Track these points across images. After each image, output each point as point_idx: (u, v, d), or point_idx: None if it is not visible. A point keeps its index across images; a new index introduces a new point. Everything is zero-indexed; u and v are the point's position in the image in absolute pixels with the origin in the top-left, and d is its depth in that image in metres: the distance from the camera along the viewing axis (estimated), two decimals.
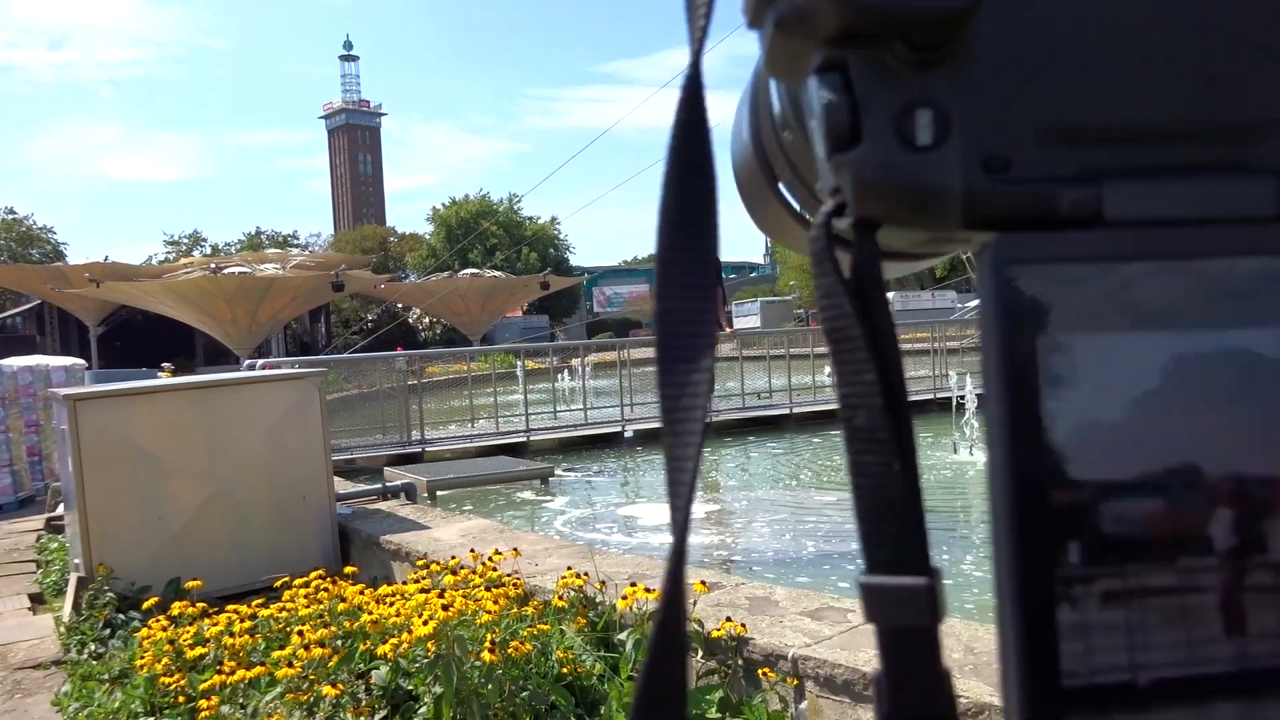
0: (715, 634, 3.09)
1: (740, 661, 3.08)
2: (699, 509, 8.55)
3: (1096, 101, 0.25)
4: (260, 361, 8.98)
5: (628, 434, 12.27)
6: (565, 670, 3.25)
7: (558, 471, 9.82)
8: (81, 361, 11.46)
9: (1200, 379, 0.23)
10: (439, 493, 8.51)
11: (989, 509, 0.24)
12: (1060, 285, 0.23)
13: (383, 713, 3.20)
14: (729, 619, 3.10)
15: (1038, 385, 0.23)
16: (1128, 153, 0.25)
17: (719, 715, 2.94)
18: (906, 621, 0.26)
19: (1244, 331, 0.23)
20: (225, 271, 31.39)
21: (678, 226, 0.27)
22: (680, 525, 0.26)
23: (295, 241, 68.74)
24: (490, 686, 2.97)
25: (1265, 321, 0.23)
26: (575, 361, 15.87)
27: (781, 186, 0.35)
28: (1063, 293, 0.23)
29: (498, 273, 43.04)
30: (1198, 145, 0.25)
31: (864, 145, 0.25)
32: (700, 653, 3.19)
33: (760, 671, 2.97)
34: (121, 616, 4.66)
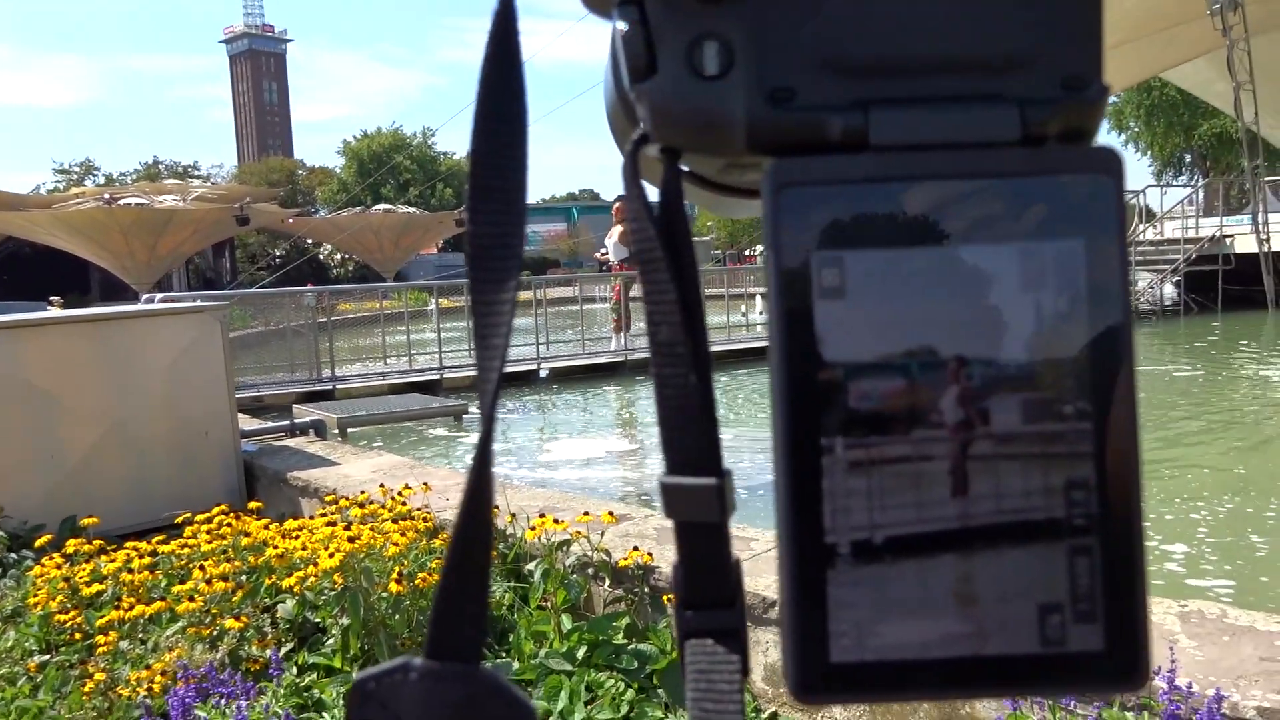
0: (623, 563, 3.15)
1: (647, 589, 3.16)
2: (612, 444, 8.62)
3: (866, 36, 0.27)
4: (159, 296, 8.64)
5: (542, 373, 12.26)
6: None
7: (472, 409, 9.77)
8: None
9: (946, 285, 0.26)
10: (350, 430, 8.39)
11: (770, 398, 0.26)
12: (830, 204, 0.26)
13: (289, 645, 3.19)
14: (636, 549, 3.16)
15: (809, 290, 0.26)
16: (893, 83, 0.27)
17: (625, 640, 3.01)
18: (699, 517, 0.29)
19: (990, 246, 0.26)
20: (121, 203, 29.93)
21: (487, 156, 0.29)
22: (486, 425, 0.28)
23: (196, 172, 65.83)
24: (398, 617, 2.99)
25: (1008, 236, 0.26)
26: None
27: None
28: (832, 210, 0.26)
29: (411, 209, 42.06)
30: (954, 77, 0.27)
31: (658, 75, 0.28)
32: (609, 581, 3.26)
33: (666, 598, 3.05)
34: (13, 556, 4.50)
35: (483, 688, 0.28)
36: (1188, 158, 42.86)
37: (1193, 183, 33.93)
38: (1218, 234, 21.47)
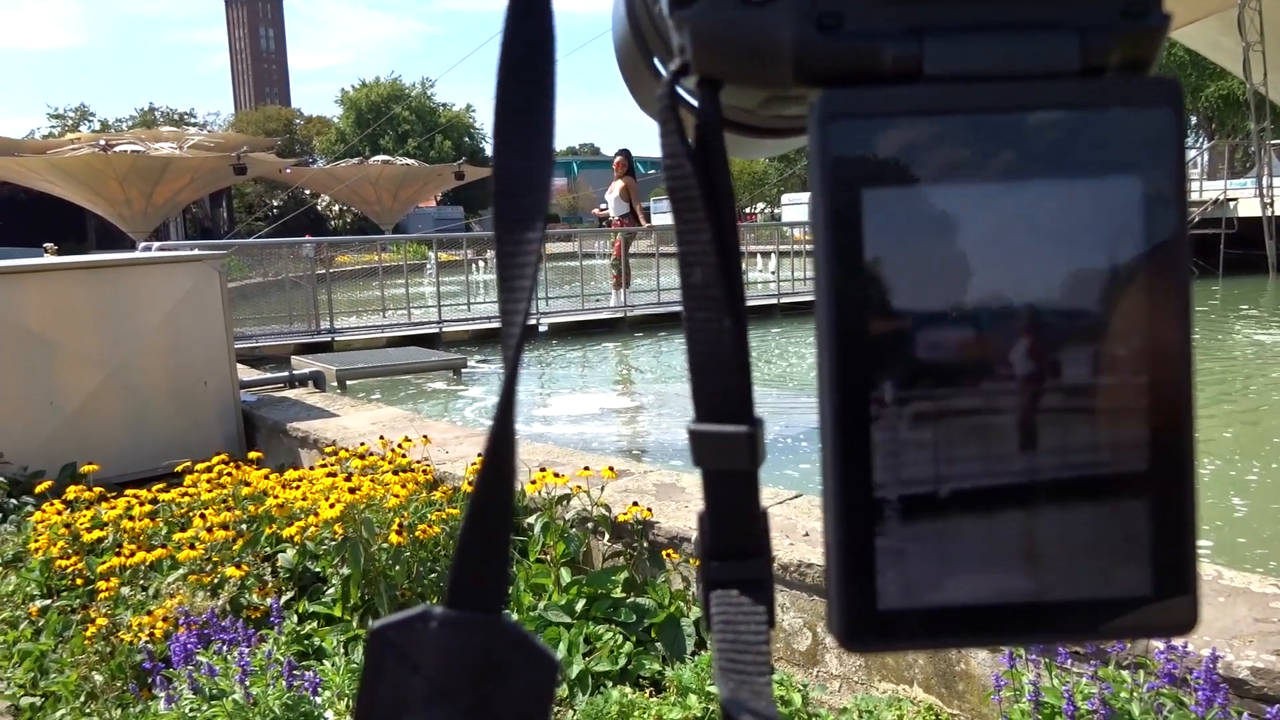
0: (622, 518, 3.16)
1: (645, 544, 3.17)
2: (610, 401, 8.63)
3: None
4: (155, 245, 8.58)
5: (542, 327, 12.23)
6: None
7: (471, 363, 9.77)
8: None
9: (1006, 224, 0.25)
10: (349, 382, 8.39)
11: (816, 345, 0.25)
12: (881, 138, 0.25)
13: (290, 594, 3.21)
14: (635, 504, 3.17)
15: (860, 230, 0.25)
16: (947, 10, 0.25)
17: (624, 594, 3.03)
18: (728, 465, 0.28)
19: (1048, 181, 0.25)
20: (117, 149, 29.65)
21: (513, 84, 0.27)
22: (510, 375, 0.27)
23: (193, 120, 65.16)
24: (398, 568, 3.00)
25: (1067, 172, 0.25)
26: (490, 254, 15.60)
27: (656, 61, 0.36)
28: (884, 145, 0.25)
29: (410, 160, 41.67)
30: (1011, 3, 0.26)
31: (702, 1, 0.26)
32: (608, 536, 3.27)
33: (664, 553, 3.07)
34: (14, 501, 4.51)
35: (504, 638, 0.27)
36: (1194, 120, 42.48)
37: (1198, 145, 33.69)
38: (1221, 197, 21.36)
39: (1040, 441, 0.25)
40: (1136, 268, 0.25)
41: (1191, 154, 26.11)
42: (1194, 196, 21.97)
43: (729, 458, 0.28)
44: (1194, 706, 2.01)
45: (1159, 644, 2.17)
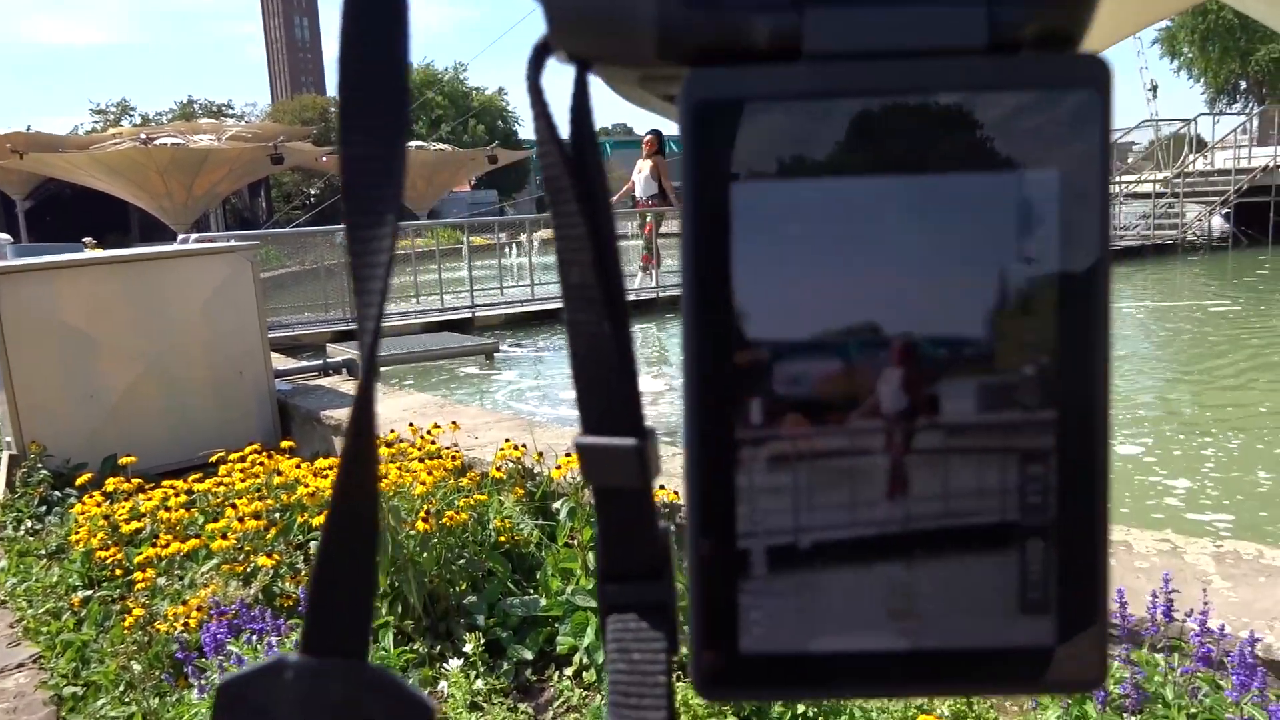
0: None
1: (674, 527, 3.15)
2: (644, 383, 8.60)
3: None
4: (193, 236, 8.69)
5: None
6: (502, 539, 3.31)
7: (503, 347, 9.80)
8: (6, 236, 11.02)
9: (897, 228, 0.21)
10: (381, 369, 8.46)
11: (683, 361, 0.22)
12: (754, 124, 0.21)
13: None
14: (663, 487, 3.15)
15: (728, 235, 0.22)
16: None
17: None
18: (618, 481, 0.26)
19: (947, 177, 0.21)
20: (157, 142, 30.07)
21: (356, 64, 0.24)
22: (365, 381, 0.24)
23: (230, 111, 65.90)
24: (426, 555, 3.02)
25: (969, 165, 0.21)
26: (523, 237, 15.63)
27: None
28: (757, 133, 0.21)
29: (443, 145, 41.81)
30: None
31: None
32: None
33: None
34: (57, 494, 4.62)
35: (370, 685, 0.25)
36: (1243, 84, 41.29)
37: (1247, 110, 32.75)
38: (1272, 164, 20.75)
39: (919, 485, 0.22)
40: (1049, 281, 0.21)
41: (1240, 119, 25.40)
42: (1242, 164, 21.39)
43: (618, 473, 0.26)
44: (1229, 691, 1.96)
45: (1194, 625, 2.12)
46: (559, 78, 0.26)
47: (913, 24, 0.21)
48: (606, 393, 0.25)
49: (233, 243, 6.41)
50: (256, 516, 3.26)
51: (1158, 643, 2.18)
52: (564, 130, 0.25)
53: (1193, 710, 2.00)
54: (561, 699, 2.73)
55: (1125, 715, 2.02)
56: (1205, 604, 2.15)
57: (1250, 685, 1.95)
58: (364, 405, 0.24)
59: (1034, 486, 0.22)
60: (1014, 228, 0.21)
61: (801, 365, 0.22)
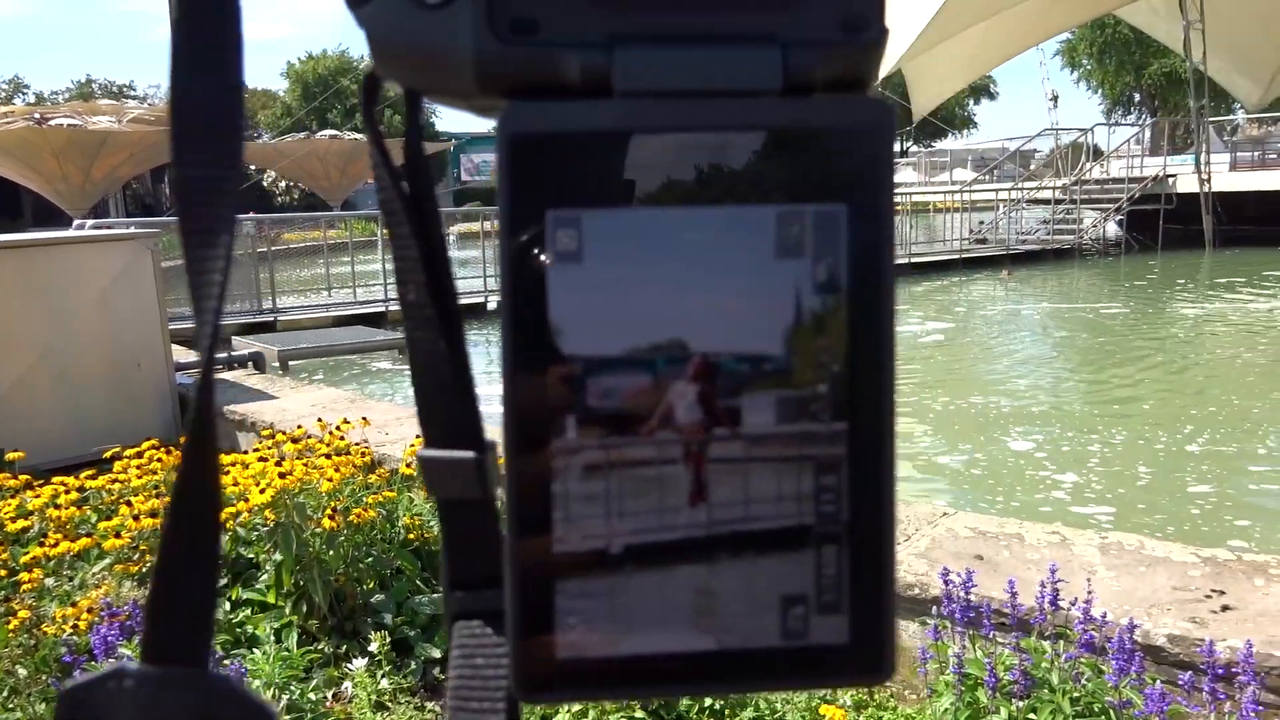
0: None
1: None
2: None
3: None
4: (89, 222, 8.33)
5: (490, 305, 12.15)
6: (412, 536, 3.27)
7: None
8: None
9: (697, 255, 0.23)
10: (290, 363, 8.26)
11: (501, 377, 0.24)
12: (566, 156, 0.23)
13: (223, 581, 3.16)
14: None
15: (542, 256, 0.23)
16: (646, 19, 0.23)
17: None
18: (460, 493, 0.27)
19: (743, 209, 0.23)
20: (52, 123, 28.69)
21: (194, 87, 0.24)
22: (203, 394, 0.24)
23: (132, 93, 63.25)
24: (332, 553, 2.96)
25: (764, 198, 0.23)
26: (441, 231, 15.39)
27: None
28: (569, 164, 0.23)
29: (359, 135, 40.92)
30: (716, 12, 0.24)
31: (375, 1, 0.24)
32: None
33: None
34: None
35: (212, 694, 0.25)
36: (1137, 97, 43.23)
37: (1140, 122, 34.31)
38: (1161, 174, 21.79)
39: (723, 492, 0.24)
40: (839, 304, 0.23)
41: (1134, 130, 26.59)
42: (1135, 173, 22.39)
43: (460, 485, 0.27)
44: (1109, 675, 2.07)
45: (1078, 614, 2.23)
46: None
47: (715, 66, 0.23)
48: (445, 407, 0.26)
49: (133, 230, 6.17)
50: (153, 515, 3.16)
51: (1045, 630, 2.28)
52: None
53: (1076, 694, 2.10)
54: None
55: (1014, 701, 2.11)
56: (1089, 593, 2.25)
57: (1129, 670, 2.05)
58: (203, 411, 0.24)
59: (827, 495, 0.24)
60: (807, 255, 0.23)
61: (611, 380, 0.23)
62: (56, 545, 3.08)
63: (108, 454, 3.97)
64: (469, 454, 0.26)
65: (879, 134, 0.23)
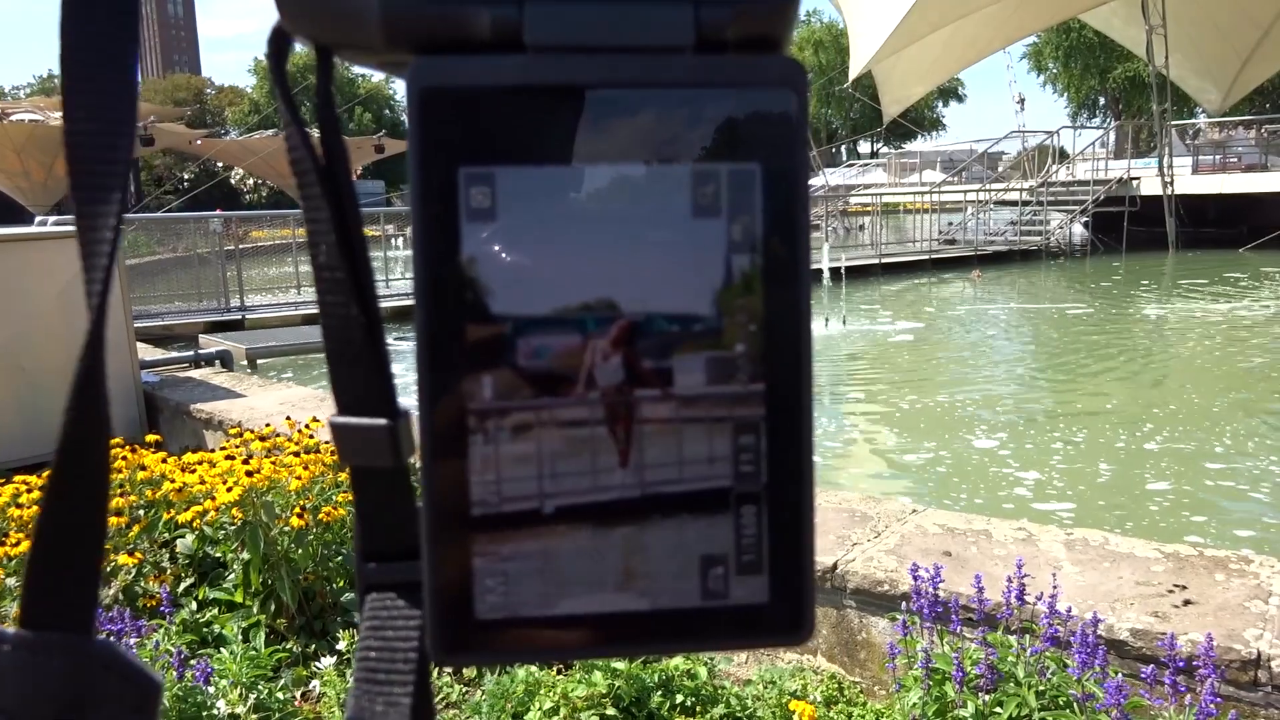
0: None
1: None
2: None
3: None
4: (52, 219, 8.18)
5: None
6: None
7: (389, 341, 9.60)
8: None
9: (611, 213, 0.23)
10: (259, 361, 8.17)
11: (415, 345, 0.23)
12: (477, 112, 0.22)
13: (190, 580, 3.12)
14: None
15: (456, 216, 0.22)
16: None
17: None
18: (372, 461, 0.26)
19: (657, 167, 0.23)
20: (13, 118, 28.22)
21: (83, 41, 0.24)
22: (93, 345, 0.24)
23: None
24: (301, 551, 2.94)
25: (678, 156, 0.23)
26: (409, 230, 15.31)
27: None
28: (480, 120, 0.22)
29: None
30: None
31: None
32: None
33: None
34: None
35: (93, 660, 0.24)
36: (1102, 100, 43.85)
37: (1105, 125, 34.78)
38: (1125, 176, 22.12)
39: (641, 453, 0.23)
40: (752, 264, 0.23)
41: (1099, 133, 26.97)
42: (1100, 175, 22.72)
43: (372, 453, 0.26)
44: (1072, 669, 2.10)
45: (1043, 608, 2.26)
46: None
47: (625, 21, 0.23)
48: (357, 374, 0.26)
49: None
50: (118, 513, 3.11)
51: (1012, 625, 2.31)
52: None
53: (1041, 688, 2.13)
54: (441, 695, 2.70)
55: (980, 694, 2.14)
56: (1055, 588, 2.28)
57: (1092, 663, 2.08)
58: (91, 370, 0.24)
59: (746, 455, 0.24)
60: (723, 215, 0.23)
61: (527, 340, 0.23)
62: (18, 545, 3.03)
63: None
64: (381, 421, 0.26)
65: (791, 93, 0.23)
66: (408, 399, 0.25)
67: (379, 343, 0.26)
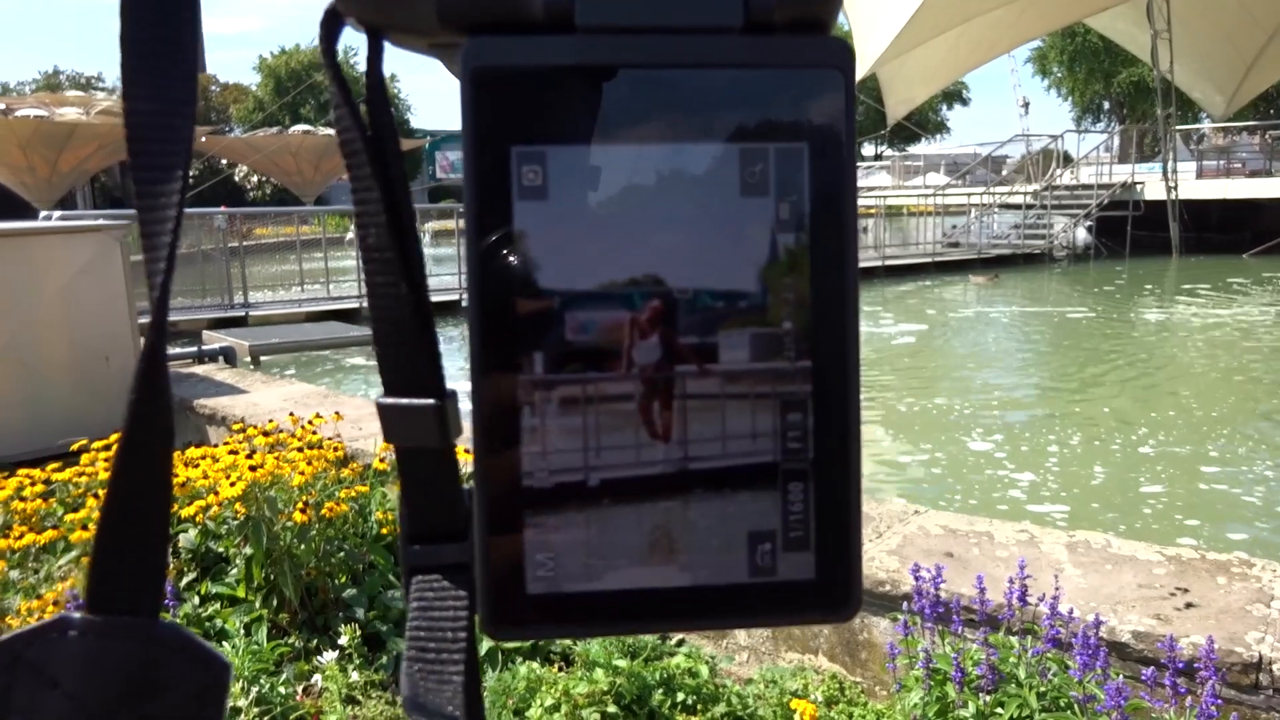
0: None
1: None
2: None
3: None
4: (56, 214, 8.20)
5: (465, 303, 12.09)
6: (385, 530, 3.25)
7: None
8: None
9: (662, 192, 0.23)
10: (262, 358, 8.19)
11: (467, 323, 0.24)
12: (530, 92, 0.23)
13: (192, 575, 3.13)
14: None
15: (509, 194, 0.23)
16: None
17: None
18: (419, 442, 0.26)
19: (708, 145, 0.23)
20: (18, 114, 28.25)
21: (145, 23, 0.24)
22: (156, 333, 0.24)
23: (100, 84, 62.32)
24: (304, 547, 2.94)
25: (728, 135, 0.23)
26: (423, 227, 15.34)
27: None
28: (533, 100, 0.23)
29: (333, 131, 40.51)
30: None
31: None
32: None
33: None
34: None
35: (161, 644, 0.24)
36: (1106, 104, 43.81)
37: (1109, 129, 34.77)
38: (1129, 180, 22.10)
39: (688, 428, 0.24)
40: (799, 242, 0.23)
41: (1103, 138, 26.95)
42: (1104, 179, 22.69)
43: (419, 434, 0.26)
44: (1074, 670, 2.10)
45: (1045, 609, 2.26)
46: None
47: (675, 2, 0.23)
48: (405, 354, 0.26)
49: (101, 221, 6.08)
50: None
51: (1013, 626, 2.31)
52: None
53: (1042, 689, 2.13)
54: None
55: (981, 695, 2.14)
56: (1057, 590, 2.29)
57: (1094, 665, 2.08)
58: (154, 351, 0.24)
59: (794, 432, 0.24)
60: (771, 194, 0.23)
61: (579, 316, 0.23)
62: (22, 538, 3.03)
63: (74, 447, 3.92)
64: (429, 401, 0.26)
65: (839, 73, 0.23)
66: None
67: (428, 323, 0.26)
